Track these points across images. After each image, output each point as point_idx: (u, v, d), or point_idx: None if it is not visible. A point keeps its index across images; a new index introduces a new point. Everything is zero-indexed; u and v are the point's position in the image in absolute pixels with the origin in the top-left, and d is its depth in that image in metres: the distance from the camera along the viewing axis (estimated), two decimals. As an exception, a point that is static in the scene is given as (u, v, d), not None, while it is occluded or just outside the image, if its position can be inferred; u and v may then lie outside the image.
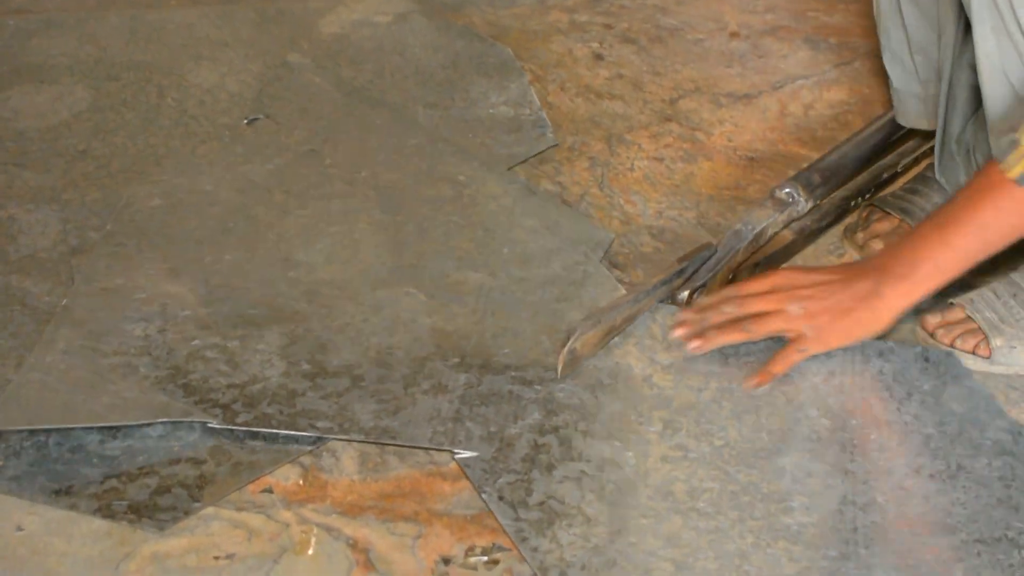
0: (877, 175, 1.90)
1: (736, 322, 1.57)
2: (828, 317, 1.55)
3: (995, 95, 1.53)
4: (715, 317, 1.59)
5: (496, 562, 1.36)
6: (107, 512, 1.38)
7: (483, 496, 1.42)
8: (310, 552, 1.36)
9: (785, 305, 1.56)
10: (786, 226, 1.79)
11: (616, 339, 1.60)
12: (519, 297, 1.69)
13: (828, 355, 1.58)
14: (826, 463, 1.47)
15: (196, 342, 1.59)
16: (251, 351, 1.58)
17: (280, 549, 1.36)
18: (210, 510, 1.40)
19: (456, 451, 1.47)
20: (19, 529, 1.36)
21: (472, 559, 1.37)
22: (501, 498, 1.42)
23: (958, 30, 1.66)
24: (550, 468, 1.45)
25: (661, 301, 1.65)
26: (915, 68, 1.80)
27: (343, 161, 1.93)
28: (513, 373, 1.56)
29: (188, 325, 1.61)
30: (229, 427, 1.48)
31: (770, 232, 1.76)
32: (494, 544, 1.38)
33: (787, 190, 1.78)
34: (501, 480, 1.43)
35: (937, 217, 1.52)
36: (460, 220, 1.82)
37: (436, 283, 1.70)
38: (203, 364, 1.56)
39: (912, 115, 1.86)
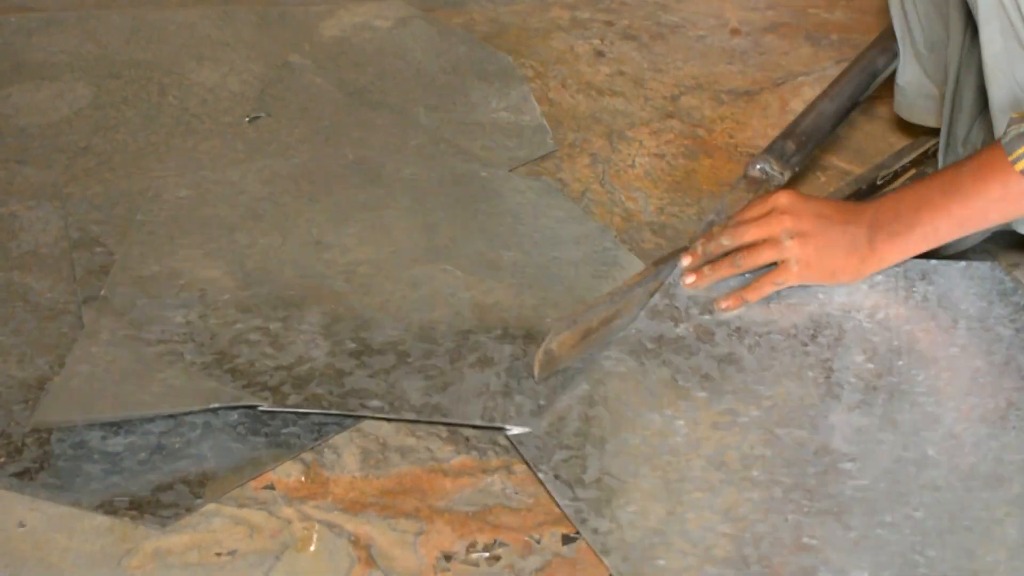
0: (872, 179, 1.88)
1: (731, 254, 1.57)
2: (817, 254, 1.54)
3: (1001, 96, 1.53)
4: (714, 249, 1.59)
5: (497, 558, 1.36)
6: (109, 508, 1.38)
7: (539, 475, 1.42)
8: (312, 549, 1.36)
9: (778, 233, 1.55)
10: None
11: (655, 299, 1.58)
12: (554, 272, 1.69)
13: (871, 287, 1.56)
14: (875, 416, 1.45)
15: (238, 326, 1.59)
16: (294, 332, 1.58)
17: (282, 546, 1.36)
18: (212, 507, 1.40)
19: (508, 427, 1.47)
20: (21, 525, 1.36)
21: (474, 555, 1.37)
22: (557, 477, 1.41)
23: (966, 31, 1.66)
24: (602, 441, 1.44)
25: (639, 306, 1.62)
26: (929, 67, 1.79)
27: (364, 157, 1.94)
28: None
29: (229, 309, 1.61)
30: (279, 410, 1.48)
31: None
32: (496, 540, 1.38)
33: (759, 166, 1.74)
34: (556, 457, 1.43)
35: (943, 182, 1.51)
36: (488, 209, 1.83)
37: (471, 260, 1.71)
38: (248, 348, 1.56)
39: (921, 113, 1.86)
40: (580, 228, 1.80)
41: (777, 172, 1.74)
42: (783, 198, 1.57)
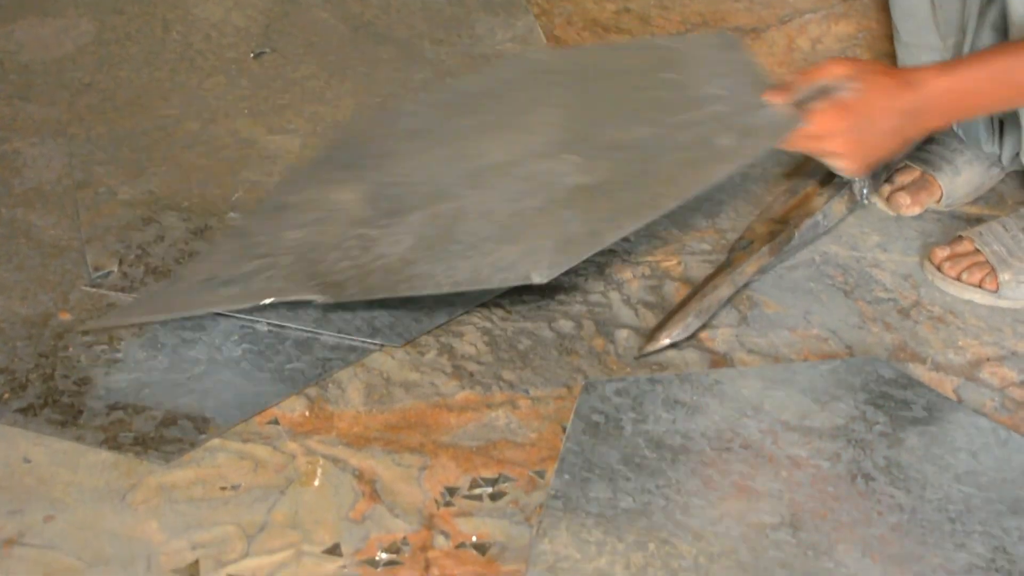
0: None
1: None
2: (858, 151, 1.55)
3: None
4: None
5: (502, 493, 1.37)
6: (113, 444, 1.39)
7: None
8: (316, 483, 1.37)
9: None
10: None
11: None
12: (673, 154, 1.60)
13: None
14: None
15: (346, 233, 1.56)
16: (389, 234, 1.55)
17: (286, 480, 1.37)
18: (216, 442, 1.40)
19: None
20: (26, 460, 1.37)
21: (477, 490, 1.37)
22: None
23: None
24: None
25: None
26: (935, 22, 1.76)
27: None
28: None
29: (343, 225, 1.59)
30: (334, 302, 1.50)
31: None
32: (500, 475, 1.39)
33: (865, 189, 1.74)
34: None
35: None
36: (653, 81, 1.74)
37: (595, 144, 1.63)
38: (339, 253, 1.53)
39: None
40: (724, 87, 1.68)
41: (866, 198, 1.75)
42: (819, 125, 1.54)
